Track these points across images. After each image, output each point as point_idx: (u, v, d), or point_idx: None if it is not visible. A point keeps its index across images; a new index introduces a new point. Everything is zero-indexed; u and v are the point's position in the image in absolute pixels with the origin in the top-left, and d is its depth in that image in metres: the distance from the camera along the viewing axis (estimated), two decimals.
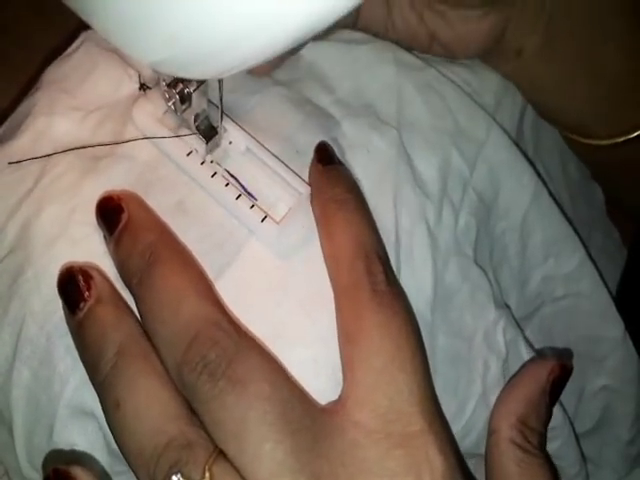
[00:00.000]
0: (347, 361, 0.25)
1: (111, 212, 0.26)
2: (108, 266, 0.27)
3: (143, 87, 0.29)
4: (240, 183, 0.28)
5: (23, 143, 0.29)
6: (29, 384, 0.28)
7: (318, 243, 0.28)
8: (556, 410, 0.30)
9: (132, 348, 0.24)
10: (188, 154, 0.28)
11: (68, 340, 0.26)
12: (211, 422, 0.23)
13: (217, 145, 0.28)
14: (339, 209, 0.27)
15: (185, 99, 0.27)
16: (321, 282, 0.27)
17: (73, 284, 0.25)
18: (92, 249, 0.27)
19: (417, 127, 0.31)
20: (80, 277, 0.25)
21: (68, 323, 0.25)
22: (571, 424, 0.33)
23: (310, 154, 0.29)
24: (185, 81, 0.27)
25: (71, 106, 0.29)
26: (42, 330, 0.27)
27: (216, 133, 0.28)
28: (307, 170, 0.29)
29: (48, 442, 0.28)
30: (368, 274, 0.25)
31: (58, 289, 0.26)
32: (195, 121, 0.28)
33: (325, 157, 0.29)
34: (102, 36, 0.22)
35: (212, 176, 0.28)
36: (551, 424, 0.30)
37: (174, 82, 0.27)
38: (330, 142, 0.30)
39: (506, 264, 0.35)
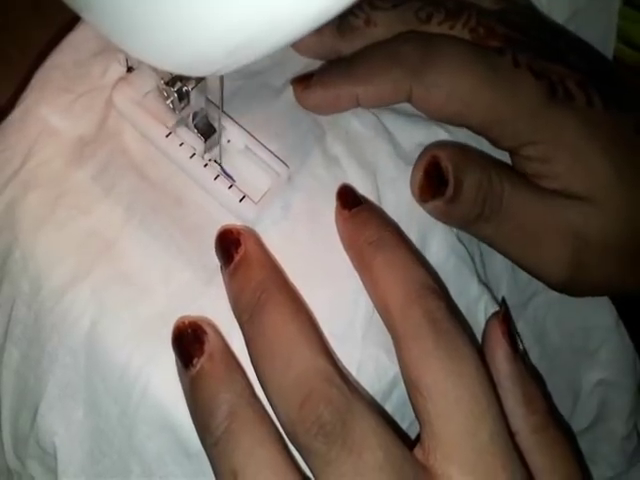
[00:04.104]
0: (421, 412, 0.24)
1: (229, 245, 0.26)
2: (91, 248, 0.27)
3: (130, 70, 0.30)
4: (219, 164, 0.29)
5: (14, 117, 0.30)
6: (18, 366, 0.28)
7: (298, 224, 0.28)
8: None
9: (245, 411, 0.24)
10: (167, 135, 0.28)
11: (53, 318, 0.27)
12: None
13: (216, 143, 0.29)
14: (376, 251, 0.26)
15: (183, 97, 0.27)
16: (299, 260, 0.27)
17: (187, 338, 0.25)
18: (78, 232, 0.27)
19: (400, 110, 0.31)
20: (194, 332, 0.25)
21: (180, 378, 0.26)
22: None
23: (289, 136, 0.30)
24: (183, 79, 0.27)
25: (62, 87, 0.30)
26: (30, 310, 0.27)
27: (214, 131, 0.28)
28: (286, 152, 0.29)
29: (31, 426, 0.28)
30: (426, 316, 0.24)
31: (172, 342, 0.26)
32: (193, 119, 0.28)
33: (348, 201, 0.28)
34: (101, 34, 0.22)
35: (191, 157, 0.28)
36: None
37: (172, 80, 0.27)
38: (310, 123, 0.30)
39: None
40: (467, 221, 0.29)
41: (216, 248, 0.27)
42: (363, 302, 0.27)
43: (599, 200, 0.29)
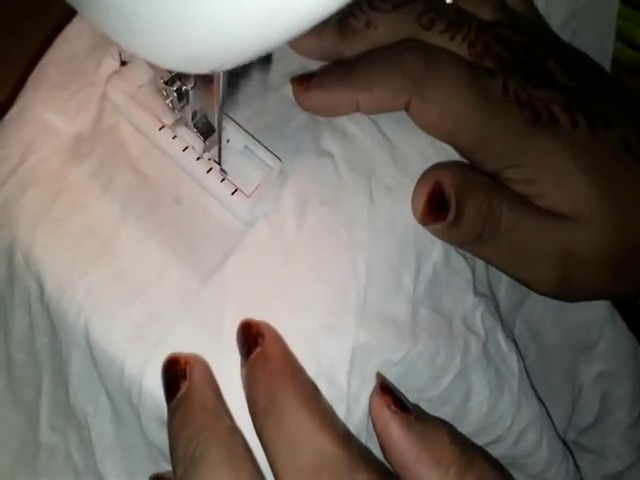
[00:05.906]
0: None
1: (174, 376, 0.26)
2: (87, 246, 0.27)
3: (124, 64, 0.30)
4: (216, 162, 0.29)
5: (11, 115, 0.30)
6: (49, 350, 0.29)
7: (287, 216, 0.28)
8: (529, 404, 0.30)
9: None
10: (160, 129, 0.29)
11: (58, 317, 0.27)
12: None
13: (215, 143, 0.29)
14: (270, 425, 0.25)
15: (183, 96, 0.27)
16: (288, 252, 0.28)
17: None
18: (74, 230, 0.28)
19: (400, 116, 0.31)
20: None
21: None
22: (549, 416, 0.32)
23: (282, 129, 0.30)
24: (182, 78, 0.27)
25: (57, 84, 0.30)
26: (42, 305, 0.28)
27: (214, 131, 0.28)
28: (278, 144, 0.30)
29: (67, 401, 0.29)
30: None
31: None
32: (193, 119, 0.28)
33: (247, 343, 0.26)
34: (101, 32, 0.22)
35: (183, 150, 0.28)
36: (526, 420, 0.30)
37: (171, 79, 0.27)
38: (306, 119, 0.30)
39: None
40: (465, 242, 0.30)
41: (162, 376, 0.26)
42: (353, 291, 0.27)
43: (585, 218, 0.30)
